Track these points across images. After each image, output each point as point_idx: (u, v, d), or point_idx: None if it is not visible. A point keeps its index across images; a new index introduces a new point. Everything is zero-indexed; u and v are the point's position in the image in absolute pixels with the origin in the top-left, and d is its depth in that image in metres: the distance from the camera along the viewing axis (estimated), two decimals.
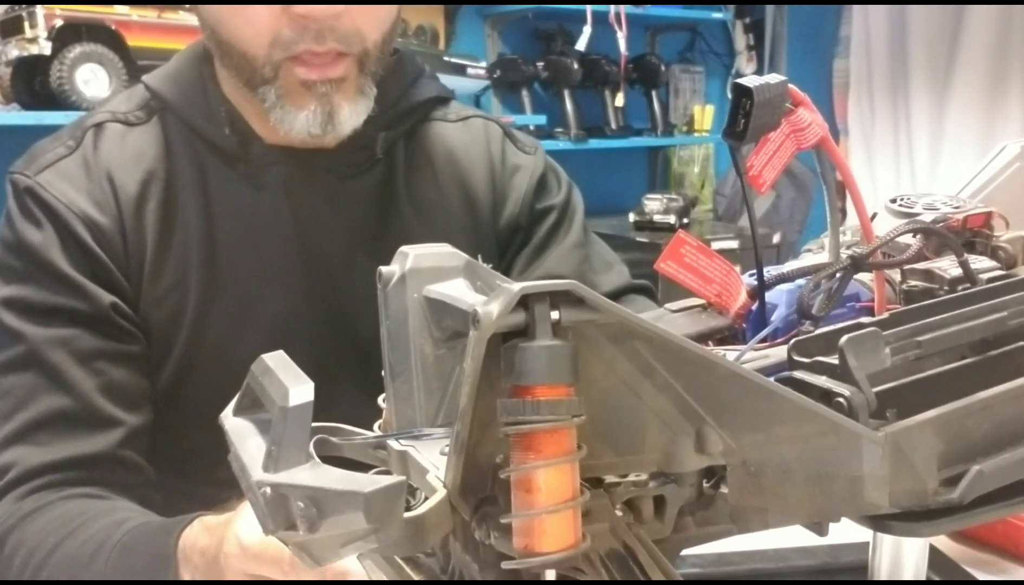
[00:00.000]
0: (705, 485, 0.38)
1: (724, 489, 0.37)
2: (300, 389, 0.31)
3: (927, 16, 3.03)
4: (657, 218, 2.77)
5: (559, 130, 2.68)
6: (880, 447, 0.35)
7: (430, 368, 0.39)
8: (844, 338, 0.37)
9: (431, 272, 0.40)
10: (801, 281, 0.52)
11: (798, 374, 0.39)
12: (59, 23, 1.62)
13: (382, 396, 0.44)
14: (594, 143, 2.74)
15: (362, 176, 0.84)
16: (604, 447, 0.33)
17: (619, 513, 0.35)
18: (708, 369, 0.32)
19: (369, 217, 0.85)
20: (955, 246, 0.53)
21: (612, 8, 2.61)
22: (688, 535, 0.37)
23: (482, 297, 0.34)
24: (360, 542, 0.29)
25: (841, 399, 0.36)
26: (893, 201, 0.68)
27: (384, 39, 0.78)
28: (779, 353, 0.45)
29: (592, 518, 0.33)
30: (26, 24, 1.61)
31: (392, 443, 0.38)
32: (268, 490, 0.30)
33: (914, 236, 0.55)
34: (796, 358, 0.40)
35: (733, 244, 2.62)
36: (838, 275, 0.49)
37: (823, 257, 0.59)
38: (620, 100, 2.81)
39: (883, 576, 0.64)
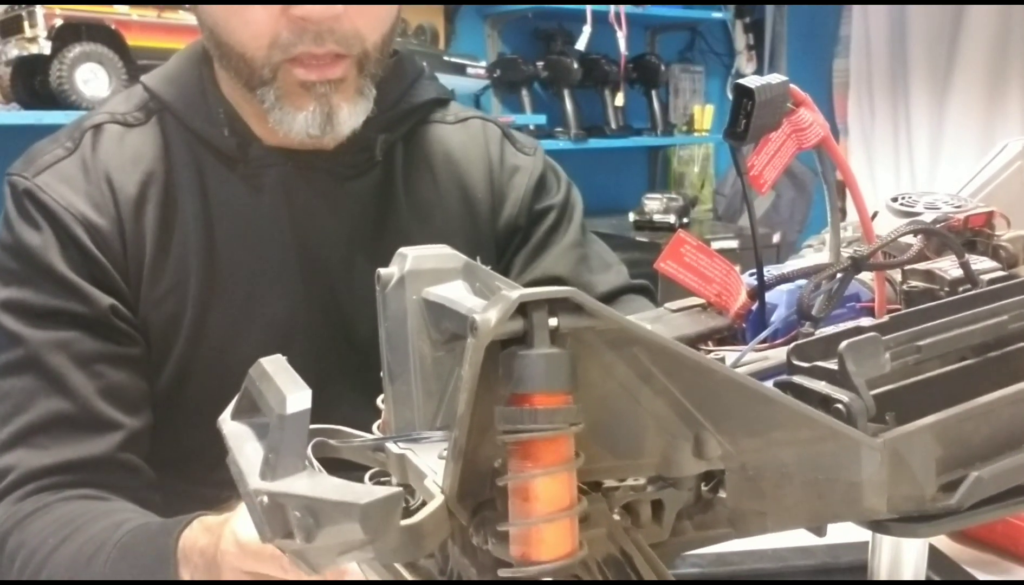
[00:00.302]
0: (703, 489, 0.38)
1: (722, 493, 0.37)
2: (298, 396, 0.31)
3: (927, 16, 3.03)
4: (657, 218, 2.77)
5: (559, 130, 2.68)
6: (878, 453, 0.35)
7: (428, 370, 0.39)
8: (844, 344, 0.37)
9: (430, 274, 0.40)
10: (801, 281, 0.52)
11: (797, 379, 0.39)
12: (59, 23, 1.62)
13: (381, 397, 0.44)
14: (594, 143, 2.74)
15: (361, 178, 0.84)
16: (602, 451, 0.33)
17: (617, 517, 0.35)
18: (705, 374, 0.32)
19: (367, 219, 0.84)
20: (956, 247, 0.53)
21: (612, 8, 2.61)
22: (686, 539, 0.37)
23: (481, 300, 0.34)
24: (357, 551, 0.29)
25: (840, 405, 0.36)
26: (894, 200, 0.67)
27: (384, 40, 0.78)
28: (779, 355, 0.45)
29: (590, 523, 0.33)
30: (26, 24, 1.61)
31: (390, 446, 0.38)
32: (265, 498, 0.30)
33: (915, 237, 0.55)
34: (795, 362, 0.40)
35: (733, 244, 2.61)
36: (838, 276, 0.49)
37: (824, 254, 0.58)
38: (620, 100, 2.81)
39: (883, 576, 0.64)
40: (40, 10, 1.60)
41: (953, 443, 0.38)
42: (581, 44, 2.59)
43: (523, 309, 0.28)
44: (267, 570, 0.57)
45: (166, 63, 0.85)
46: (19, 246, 0.76)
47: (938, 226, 0.56)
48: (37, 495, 0.72)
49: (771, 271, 0.53)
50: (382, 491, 0.28)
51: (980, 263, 0.55)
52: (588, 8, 2.55)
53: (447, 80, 0.97)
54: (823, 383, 0.37)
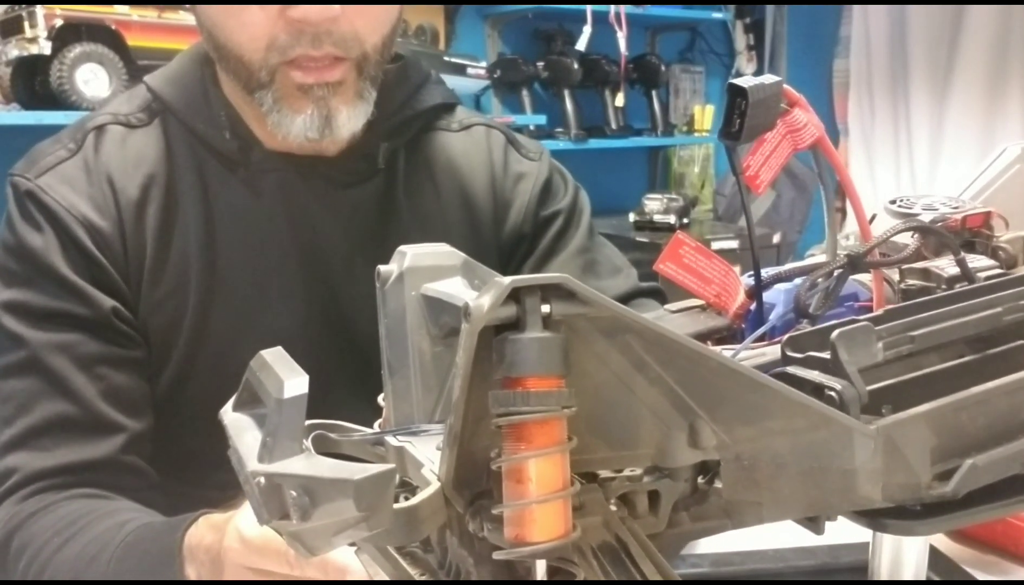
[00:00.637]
0: (700, 480, 0.38)
1: (718, 484, 0.37)
2: (295, 381, 0.31)
3: (927, 16, 3.03)
4: (657, 218, 2.77)
5: (559, 130, 2.68)
6: (872, 440, 0.35)
7: (428, 365, 0.40)
8: (836, 332, 0.37)
9: (429, 271, 0.40)
10: (799, 280, 0.52)
11: (791, 369, 0.39)
12: (59, 23, 1.63)
13: (381, 395, 0.44)
14: (594, 143, 2.74)
15: (362, 185, 0.84)
16: (598, 441, 0.33)
17: (613, 508, 0.35)
18: (699, 362, 0.32)
19: (369, 226, 0.84)
20: (952, 244, 0.53)
21: (612, 8, 2.61)
22: (682, 530, 0.38)
23: (476, 293, 0.34)
24: (352, 530, 0.29)
25: (832, 393, 0.36)
26: (892, 202, 0.68)
27: (384, 42, 0.77)
28: (775, 351, 0.45)
29: (585, 512, 0.33)
30: (26, 24, 1.61)
31: (389, 439, 0.39)
32: (262, 480, 0.30)
33: (912, 235, 0.55)
34: (789, 353, 0.40)
35: (733, 244, 2.62)
36: (835, 274, 0.49)
37: (820, 253, 0.59)
38: (620, 100, 2.81)
39: (883, 576, 0.64)
40: (40, 10, 1.60)
41: (948, 432, 0.38)
42: (581, 44, 2.59)
43: (516, 295, 0.29)
44: (271, 566, 0.57)
45: (169, 64, 0.85)
46: (21, 247, 0.76)
47: (926, 224, 0.56)
48: (40, 495, 0.72)
49: (771, 271, 0.53)
50: (375, 468, 0.28)
51: (977, 262, 0.55)
52: (588, 8, 2.56)
53: (447, 80, 0.97)
54: (816, 372, 0.38)
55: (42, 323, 0.75)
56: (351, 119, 0.76)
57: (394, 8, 0.78)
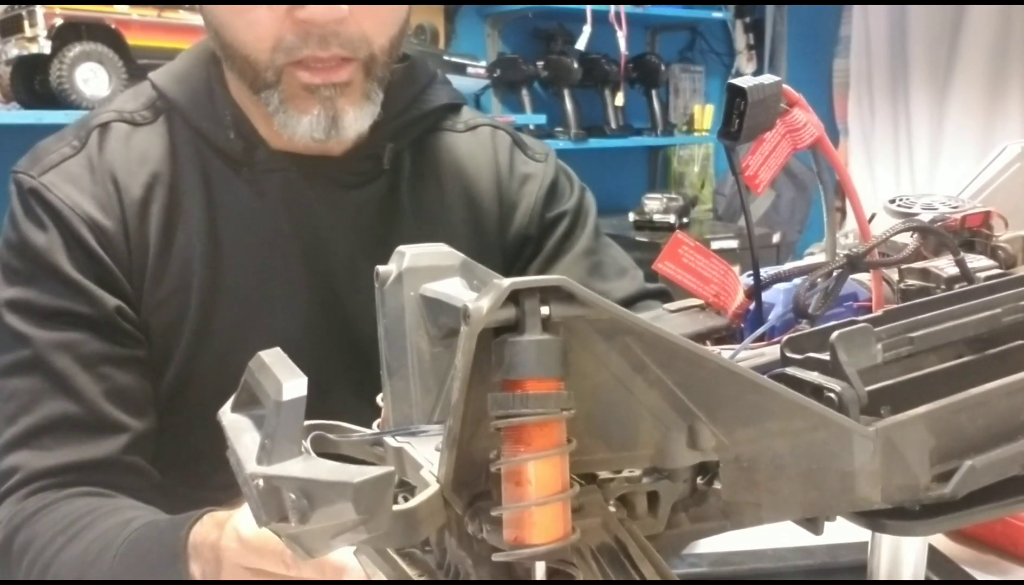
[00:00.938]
0: (699, 481, 0.38)
1: (717, 485, 0.37)
2: (294, 383, 0.31)
3: (927, 16, 3.03)
4: (657, 218, 2.77)
5: (559, 130, 2.68)
6: (871, 442, 0.35)
7: (426, 365, 0.40)
8: (835, 334, 0.37)
9: (428, 271, 0.40)
10: (798, 280, 0.52)
11: (790, 370, 0.39)
12: (59, 22, 1.62)
13: (380, 395, 0.44)
14: (594, 143, 2.74)
15: (366, 186, 0.84)
16: (597, 443, 0.33)
17: (612, 509, 0.35)
18: (698, 364, 0.32)
19: (372, 228, 0.84)
20: (951, 244, 0.53)
21: (612, 7, 2.61)
22: (682, 531, 0.38)
23: (475, 294, 0.34)
24: (350, 533, 0.29)
25: (832, 394, 0.36)
26: (892, 202, 0.68)
27: (392, 43, 0.77)
28: (774, 352, 0.45)
29: (584, 513, 0.33)
30: (26, 23, 1.61)
31: (388, 439, 0.39)
32: (261, 482, 0.30)
33: (911, 235, 0.55)
34: (788, 354, 0.40)
35: (733, 244, 2.62)
36: (834, 274, 0.49)
37: (819, 253, 0.59)
38: (620, 100, 2.81)
39: (882, 576, 0.64)
40: (40, 10, 1.60)
41: (947, 434, 0.38)
42: (581, 44, 2.59)
43: (515, 297, 0.29)
44: (269, 566, 0.57)
45: (175, 61, 0.84)
46: (25, 245, 0.76)
47: (936, 225, 0.56)
48: (42, 494, 0.72)
49: (770, 271, 0.53)
50: (374, 471, 0.28)
51: (977, 262, 0.55)
52: (588, 8, 2.55)
53: None
54: (815, 373, 0.38)
55: (46, 322, 0.75)
56: (357, 120, 0.76)
57: (402, 9, 0.78)
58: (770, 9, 3.31)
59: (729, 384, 0.33)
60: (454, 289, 0.39)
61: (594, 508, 0.34)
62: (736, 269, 0.53)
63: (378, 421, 0.45)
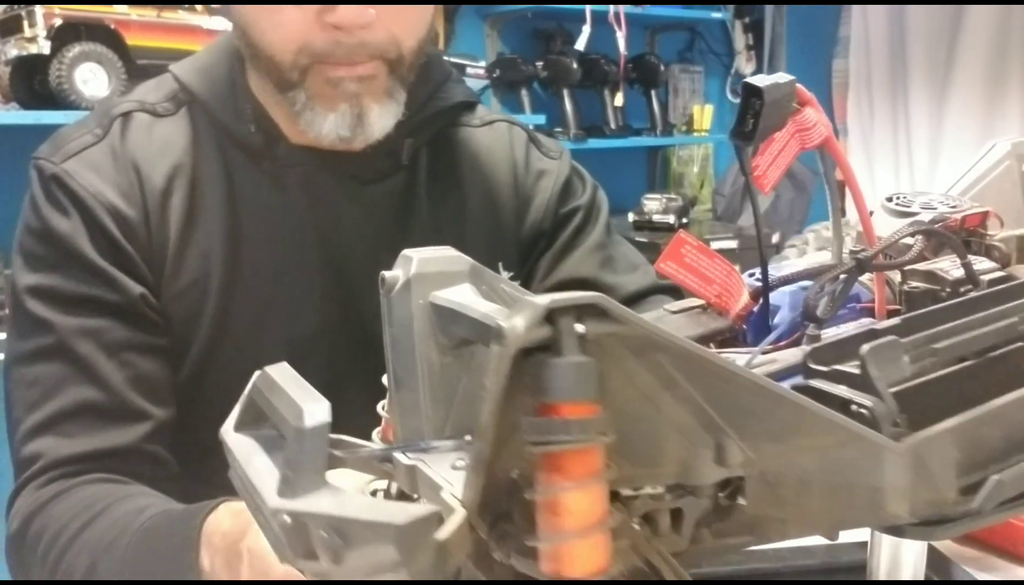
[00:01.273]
0: (720, 496, 0.37)
1: (741, 500, 0.36)
2: (316, 408, 0.29)
3: (926, 16, 3.03)
4: (656, 218, 2.77)
5: (558, 130, 2.68)
6: (901, 458, 0.34)
7: (436, 377, 0.38)
8: (866, 347, 0.36)
9: (436, 277, 0.38)
10: (803, 282, 0.52)
11: (815, 383, 0.38)
12: (58, 22, 1.62)
13: (381, 403, 0.43)
14: (593, 143, 2.74)
15: (385, 182, 0.84)
16: (621, 460, 0.32)
17: (636, 527, 0.34)
18: (731, 381, 0.31)
19: (389, 223, 0.84)
20: (958, 248, 0.53)
21: (611, 8, 2.61)
22: (705, 547, 0.36)
23: (493, 305, 0.33)
24: (387, 572, 0.28)
25: (863, 410, 0.35)
26: (889, 200, 0.68)
27: (419, 46, 0.77)
28: (785, 356, 0.45)
29: (613, 535, 0.31)
30: (25, 23, 1.60)
31: (399, 456, 0.37)
32: (287, 518, 0.28)
33: (920, 238, 0.55)
34: (813, 367, 0.39)
35: (732, 244, 2.62)
36: (842, 277, 0.49)
37: (810, 254, 0.59)
38: (619, 100, 2.80)
39: (882, 576, 0.64)
40: (39, 10, 1.60)
41: (970, 446, 0.37)
42: (580, 44, 2.59)
43: (548, 315, 0.27)
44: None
45: (197, 54, 0.84)
46: (47, 231, 0.75)
47: (937, 226, 0.56)
48: (60, 481, 0.72)
49: (778, 275, 0.53)
50: (417, 510, 0.27)
51: (979, 263, 0.55)
52: (587, 8, 2.55)
53: None
54: (844, 388, 0.37)
55: (69, 308, 0.74)
56: (382, 117, 0.75)
57: (428, 10, 0.78)
58: (769, 9, 3.31)
59: (761, 400, 0.32)
60: (466, 297, 0.37)
61: (622, 529, 0.32)
62: (736, 269, 0.53)
63: (377, 430, 0.44)
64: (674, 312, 0.53)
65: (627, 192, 2.99)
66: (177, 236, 0.77)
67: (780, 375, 0.42)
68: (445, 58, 2.33)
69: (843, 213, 0.59)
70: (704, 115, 3.15)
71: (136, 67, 1.69)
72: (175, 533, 0.63)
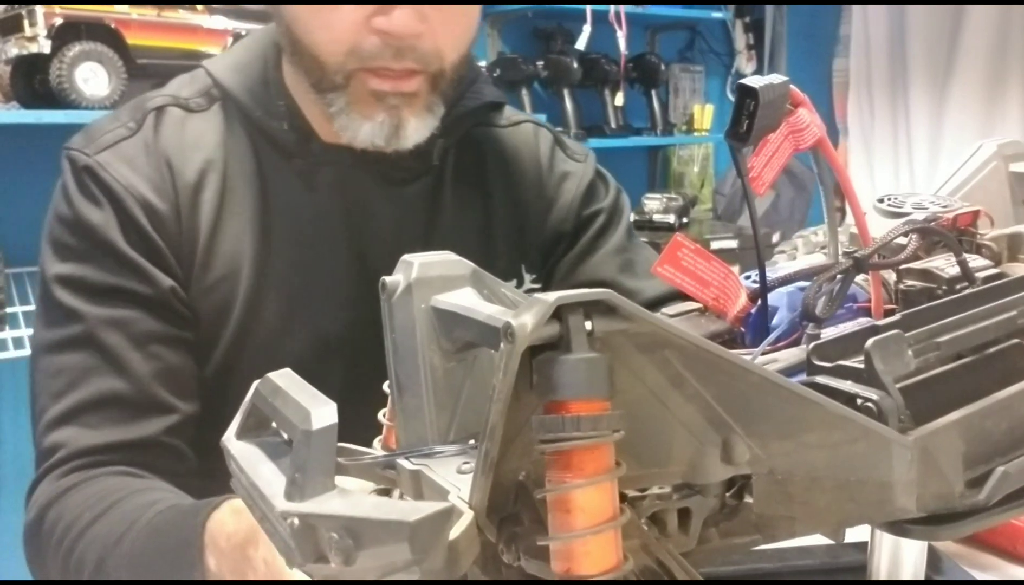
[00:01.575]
0: (726, 495, 0.37)
1: (748, 499, 0.36)
2: (323, 411, 0.29)
3: (926, 16, 3.03)
4: (656, 217, 2.77)
5: (559, 129, 2.67)
6: (909, 451, 0.34)
7: (440, 381, 0.37)
8: (870, 342, 0.36)
9: (438, 281, 0.38)
10: (800, 283, 0.52)
11: (820, 379, 0.38)
12: (59, 21, 1.62)
13: (382, 411, 0.43)
14: (594, 142, 2.73)
15: (414, 182, 0.84)
16: (629, 460, 0.32)
17: (644, 527, 0.34)
18: (740, 377, 0.31)
19: (417, 223, 0.84)
20: (955, 246, 0.53)
21: (612, 7, 2.60)
22: (712, 546, 0.36)
23: (497, 307, 0.33)
24: (399, 573, 0.27)
25: (870, 404, 0.35)
26: (880, 201, 0.68)
27: (461, 60, 0.77)
28: (787, 356, 0.45)
29: (624, 535, 0.31)
30: (26, 22, 1.60)
31: (403, 462, 0.36)
32: (296, 520, 0.28)
33: (916, 237, 0.55)
34: (817, 362, 0.39)
35: (732, 244, 2.62)
36: (839, 277, 0.49)
37: (801, 258, 0.59)
38: (620, 99, 2.80)
39: (882, 576, 0.64)
40: (40, 9, 1.59)
41: (976, 439, 0.37)
42: (581, 43, 2.58)
43: (558, 313, 0.27)
44: None
45: (230, 50, 0.85)
46: (79, 222, 0.75)
47: (931, 225, 0.56)
48: (79, 471, 0.72)
49: (775, 277, 0.53)
50: (429, 507, 0.27)
51: (973, 261, 0.55)
52: (588, 7, 2.55)
53: None
54: (849, 382, 0.37)
55: (98, 298, 0.74)
56: (418, 130, 0.76)
57: (474, 27, 0.78)
58: (770, 9, 3.30)
59: (770, 396, 0.32)
60: (468, 300, 0.37)
61: (632, 529, 0.32)
62: (736, 269, 0.53)
63: (378, 439, 0.44)
64: (672, 315, 0.53)
65: (627, 192, 2.97)
66: (208, 231, 0.78)
67: (783, 373, 0.42)
68: None
69: (842, 214, 0.59)
70: (704, 115, 3.15)
71: (136, 66, 1.69)
72: (178, 530, 0.63)
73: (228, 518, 0.61)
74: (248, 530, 0.58)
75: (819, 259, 0.61)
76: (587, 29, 2.56)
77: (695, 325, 0.52)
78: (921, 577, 0.64)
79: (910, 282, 0.54)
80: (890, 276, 0.55)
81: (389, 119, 0.74)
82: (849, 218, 0.57)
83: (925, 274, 0.53)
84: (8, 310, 1.64)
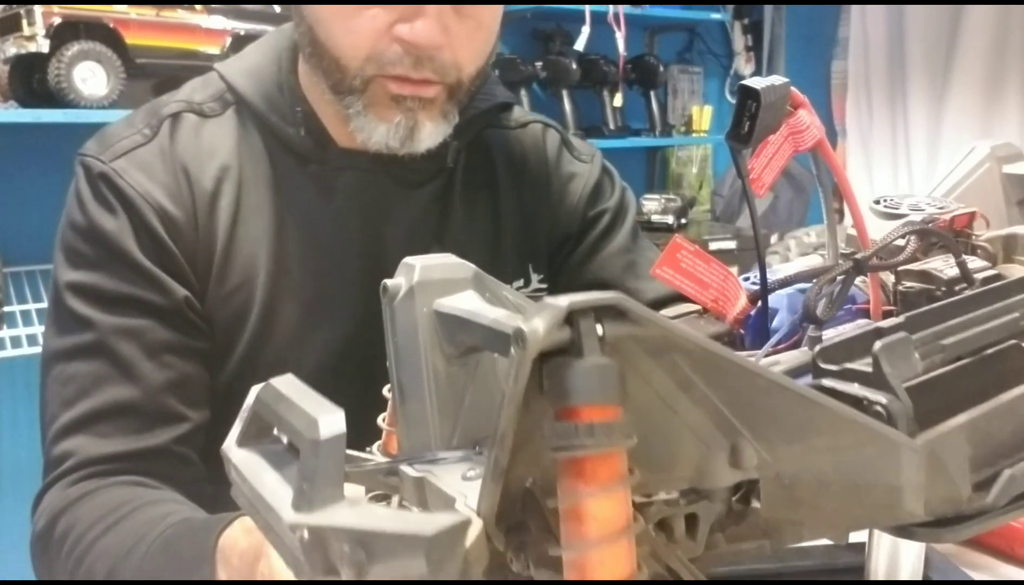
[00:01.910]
0: (733, 500, 0.36)
1: (755, 503, 0.35)
2: (331, 418, 0.28)
3: (925, 17, 3.03)
4: (655, 218, 2.77)
5: None
6: (918, 455, 0.34)
7: (443, 386, 0.37)
8: (878, 345, 0.36)
9: (439, 284, 0.38)
10: (799, 285, 0.52)
11: (827, 382, 0.38)
12: (57, 21, 1.62)
13: (381, 416, 0.43)
14: (592, 143, 2.73)
15: (427, 185, 0.84)
16: (634, 465, 0.31)
17: (652, 534, 0.33)
18: (750, 381, 0.30)
19: (428, 226, 0.84)
20: (954, 247, 0.53)
21: (611, 8, 2.60)
22: (719, 552, 0.36)
23: (502, 311, 0.33)
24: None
25: (879, 407, 0.35)
26: (877, 202, 0.68)
27: (478, 73, 0.78)
28: (789, 358, 0.45)
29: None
30: (24, 22, 1.60)
31: (406, 469, 0.36)
32: (305, 533, 0.27)
33: (914, 238, 0.55)
34: (823, 366, 0.39)
35: (731, 245, 2.62)
36: (839, 278, 0.49)
37: (793, 260, 0.59)
38: (618, 100, 2.80)
39: (880, 576, 0.64)
40: (38, 8, 1.59)
41: (982, 441, 0.37)
42: (580, 44, 2.58)
43: (568, 317, 0.26)
44: None
45: (244, 53, 0.84)
46: (93, 229, 0.75)
47: (931, 227, 0.56)
48: (89, 480, 0.71)
49: (775, 279, 0.53)
50: (445, 520, 0.26)
51: (971, 262, 0.55)
52: (587, 8, 2.55)
53: None
54: (856, 385, 0.36)
55: (112, 307, 0.74)
56: (432, 135, 0.76)
57: (492, 41, 0.78)
58: (768, 10, 3.30)
59: (780, 400, 0.31)
60: (472, 304, 0.36)
61: (641, 536, 0.32)
62: (734, 270, 0.53)
63: (377, 444, 0.43)
64: (671, 317, 0.53)
65: None
66: (224, 239, 0.77)
67: (788, 375, 0.42)
68: None
69: (841, 215, 0.59)
70: (703, 116, 3.15)
71: (135, 66, 1.69)
72: (190, 546, 0.63)
73: (240, 536, 0.61)
74: (259, 546, 0.58)
75: (815, 260, 0.61)
76: (586, 30, 2.56)
77: (694, 327, 0.52)
78: (919, 577, 0.64)
79: (909, 283, 0.54)
80: (887, 277, 0.55)
81: (405, 121, 0.74)
82: (847, 219, 0.57)
83: (924, 275, 0.53)
84: (6, 309, 1.64)
